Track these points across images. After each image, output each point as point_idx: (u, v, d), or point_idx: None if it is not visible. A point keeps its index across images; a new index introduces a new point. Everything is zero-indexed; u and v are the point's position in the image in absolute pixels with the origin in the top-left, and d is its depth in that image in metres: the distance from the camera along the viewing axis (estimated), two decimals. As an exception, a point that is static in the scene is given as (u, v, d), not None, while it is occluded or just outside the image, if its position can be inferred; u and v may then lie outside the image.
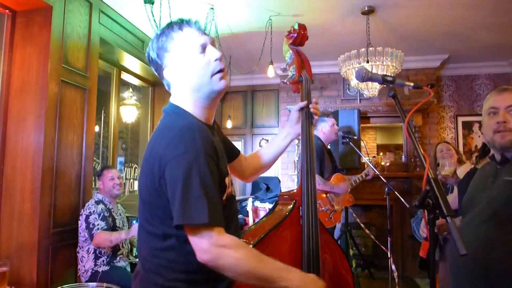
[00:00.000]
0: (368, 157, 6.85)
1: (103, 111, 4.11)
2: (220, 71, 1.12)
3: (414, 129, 5.05)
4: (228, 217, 1.08)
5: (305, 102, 1.40)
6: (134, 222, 3.71)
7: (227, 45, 4.53)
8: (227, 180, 1.12)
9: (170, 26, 1.14)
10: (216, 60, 1.11)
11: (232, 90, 5.86)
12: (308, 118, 1.40)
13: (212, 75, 1.11)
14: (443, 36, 4.25)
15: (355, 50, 3.34)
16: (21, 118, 2.60)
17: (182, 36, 1.12)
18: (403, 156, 5.33)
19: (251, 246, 1.19)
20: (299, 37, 1.39)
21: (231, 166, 1.33)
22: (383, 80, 1.20)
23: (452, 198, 2.51)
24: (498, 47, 4.59)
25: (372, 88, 3.42)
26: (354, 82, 3.54)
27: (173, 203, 0.97)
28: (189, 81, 1.12)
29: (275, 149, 1.48)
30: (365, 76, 1.22)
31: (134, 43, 3.70)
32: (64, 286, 2.30)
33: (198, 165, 0.98)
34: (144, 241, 1.11)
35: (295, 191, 1.43)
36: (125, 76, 4.23)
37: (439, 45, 4.58)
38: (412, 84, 1.21)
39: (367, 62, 3.28)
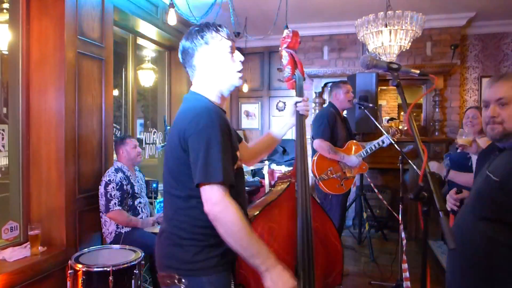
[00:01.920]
0: (388, 116, 6.73)
1: (123, 75, 4.16)
2: (241, 71, 1.41)
3: (434, 92, 4.92)
4: (237, 187, 1.30)
5: (300, 98, 1.62)
6: (154, 185, 3.91)
7: (242, 6, 4.41)
8: (238, 153, 1.38)
9: (210, 25, 1.38)
10: (240, 61, 1.40)
11: (249, 52, 5.77)
12: (299, 112, 1.63)
13: (236, 72, 1.39)
14: (471, -8, 4.00)
15: (373, 14, 3.21)
16: (42, 90, 2.69)
17: (219, 36, 1.37)
18: (423, 120, 5.24)
19: (255, 214, 1.52)
20: (292, 42, 1.61)
21: None
22: (388, 67, 1.20)
23: (468, 177, 2.48)
24: (531, 3, 4.30)
25: (391, 53, 3.32)
26: (372, 46, 3.44)
27: (195, 167, 1.22)
28: (216, 73, 1.37)
29: (273, 137, 1.73)
30: (370, 64, 1.21)
31: (148, 8, 3.66)
32: (91, 248, 2.51)
33: (215, 136, 1.22)
34: (169, 204, 1.36)
35: (291, 170, 1.73)
36: (141, 42, 4.23)
37: (466, 1, 4.32)
38: (417, 71, 1.20)
39: (386, 26, 3.16)
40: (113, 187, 2.82)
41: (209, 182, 1.20)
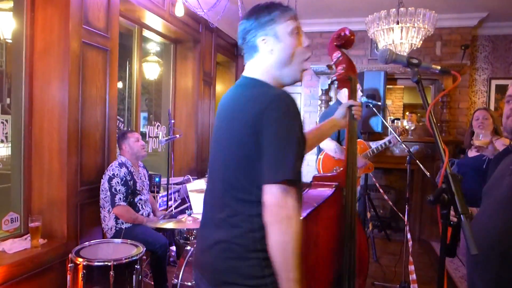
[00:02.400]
0: (392, 116, 6.68)
1: (127, 67, 4.11)
2: (307, 58, 1.24)
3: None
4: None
5: (353, 101, 1.55)
6: (157, 179, 3.87)
7: (250, 0, 4.36)
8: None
9: (280, 4, 1.21)
10: (307, 47, 1.24)
11: (255, 47, 5.70)
12: (353, 116, 1.57)
13: (302, 62, 1.22)
14: (484, -8, 3.93)
15: (385, 11, 3.14)
16: (46, 80, 2.64)
17: (287, 15, 1.19)
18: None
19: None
20: (348, 41, 1.56)
21: None
22: (407, 62, 1.14)
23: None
24: (544, 5, 4.22)
25: (401, 51, 3.25)
26: (382, 43, 3.37)
27: (270, 162, 1.04)
28: (279, 58, 1.18)
29: (319, 136, 1.65)
30: (389, 58, 1.16)
31: (155, 0, 3.60)
32: (92, 241, 2.47)
33: (295, 129, 1.06)
34: (232, 209, 1.14)
35: (334, 174, 1.70)
36: (146, 33, 4.18)
37: (478, 1, 4.25)
38: (438, 67, 1.14)
39: (397, 23, 3.09)
40: (118, 182, 2.77)
41: (281, 181, 1.02)
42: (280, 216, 1.01)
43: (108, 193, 2.77)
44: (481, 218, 1.44)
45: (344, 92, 3.39)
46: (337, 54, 1.59)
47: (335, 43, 1.60)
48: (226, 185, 1.16)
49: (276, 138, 1.04)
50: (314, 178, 1.69)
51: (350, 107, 1.57)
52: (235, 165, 1.13)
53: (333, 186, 1.58)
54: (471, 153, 3.01)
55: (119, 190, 2.76)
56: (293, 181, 1.03)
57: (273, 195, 1.02)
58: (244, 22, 1.21)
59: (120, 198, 2.75)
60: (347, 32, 1.53)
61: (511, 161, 1.40)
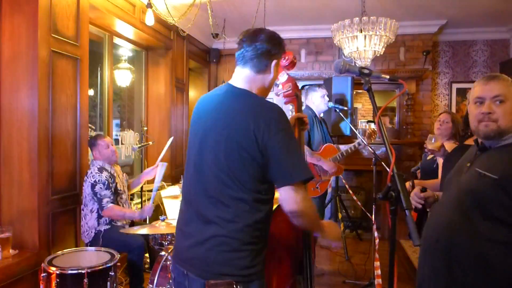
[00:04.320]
0: (364, 119, 6.90)
1: (99, 74, 4.09)
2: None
3: (407, 96, 5.08)
4: None
5: (300, 114, 1.71)
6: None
7: (221, 8, 4.44)
8: None
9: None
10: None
11: (227, 53, 5.79)
12: (301, 124, 1.71)
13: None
14: (442, 0, 4.16)
15: (349, 20, 3.30)
16: (14, 89, 2.62)
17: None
18: (396, 123, 5.40)
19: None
20: (292, 64, 1.72)
21: None
22: (359, 72, 1.25)
23: (435, 184, 2.57)
24: (498, 12, 4.51)
25: (365, 58, 3.41)
26: (347, 51, 3.53)
27: (285, 166, 1.24)
28: (273, 82, 1.42)
29: None
30: (343, 69, 1.26)
31: (125, 8, 3.62)
32: (65, 250, 2.46)
33: (293, 136, 1.32)
34: (227, 208, 1.27)
35: None
36: (117, 41, 4.18)
37: (437, 10, 4.50)
38: (387, 76, 1.26)
39: (361, 31, 3.25)
40: (101, 188, 2.79)
41: (297, 182, 1.24)
42: (301, 208, 1.26)
43: (95, 199, 2.79)
44: (436, 209, 1.55)
45: (313, 98, 3.52)
46: (283, 75, 1.76)
47: (283, 65, 1.77)
48: (222, 185, 1.27)
49: (286, 146, 1.24)
50: None
51: (298, 119, 1.69)
52: (233, 167, 1.25)
53: None
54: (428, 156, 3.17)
55: (104, 194, 2.79)
56: (304, 181, 1.26)
57: (288, 195, 1.24)
58: (267, 41, 1.35)
59: (107, 201, 2.79)
60: (291, 56, 1.71)
61: (470, 158, 1.48)
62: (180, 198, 1.73)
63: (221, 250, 1.25)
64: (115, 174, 2.99)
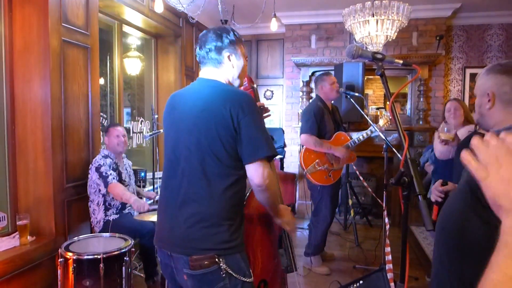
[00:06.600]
0: (374, 106, 6.84)
1: (108, 63, 4.11)
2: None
3: (419, 82, 5.00)
4: None
5: (260, 103, 1.82)
6: (142, 174, 3.91)
7: (229, -6, 4.39)
8: None
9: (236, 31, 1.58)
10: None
11: (237, 40, 5.75)
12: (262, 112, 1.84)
13: (243, 77, 1.62)
14: (456, -17, 4.06)
15: (360, 4, 3.24)
16: (26, 79, 2.65)
17: (242, 42, 1.58)
18: (408, 109, 5.33)
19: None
20: (249, 82, 1.96)
21: None
22: (372, 57, 1.23)
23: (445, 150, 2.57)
24: (514, -5, 4.38)
25: (377, 43, 3.36)
26: (359, 36, 3.47)
27: (254, 144, 1.35)
28: (237, 72, 1.54)
29: None
30: (356, 54, 1.25)
31: (134, -5, 3.61)
32: (80, 236, 2.51)
33: (260, 118, 1.42)
34: (205, 185, 1.38)
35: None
36: (126, 29, 4.18)
37: (451, -8, 4.39)
38: (401, 61, 1.24)
39: (373, 16, 3.19)
40: (107, 169, 2.84)
41: (264, 157, 1.35)
42: (266, 183, 1.36)
43: (100, 179, 2.82)
44: (449, 201, 1.54)
45: (323, 87, 3.47)
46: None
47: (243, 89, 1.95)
48: (202, 163, 1.38)
49: (255, 126, 1.36)
50: None
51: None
52: (212, 144, 1.36)
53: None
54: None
55: (110, 173, 2.83)
56: (269, 157, 1.37)
57: (257, 170, 1.35)
58: (213, 39, 1.49)
59: (113, 178, 2.82)
60: (247, 79, 1.92)
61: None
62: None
63: (201, 227, 1.36)
64: (119, 164, 3.02)
